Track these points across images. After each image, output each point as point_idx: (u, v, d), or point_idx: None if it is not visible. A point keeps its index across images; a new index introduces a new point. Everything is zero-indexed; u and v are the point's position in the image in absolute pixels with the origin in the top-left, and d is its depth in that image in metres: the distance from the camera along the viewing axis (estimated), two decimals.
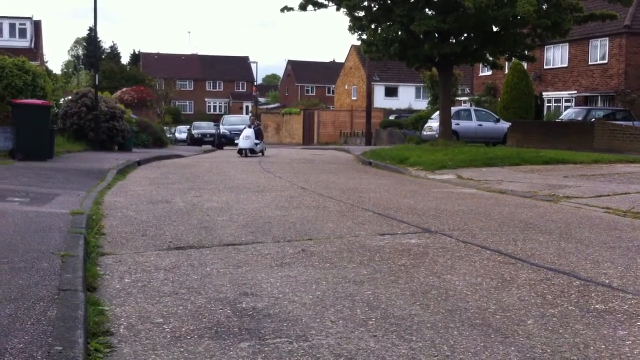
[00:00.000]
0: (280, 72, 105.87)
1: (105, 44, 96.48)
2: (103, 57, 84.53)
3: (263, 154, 23.88)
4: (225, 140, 35.74)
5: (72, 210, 7.40)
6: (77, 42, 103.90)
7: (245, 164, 18.52)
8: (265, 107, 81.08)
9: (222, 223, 7.33)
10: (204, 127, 44.42)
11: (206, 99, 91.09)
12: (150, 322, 3.82)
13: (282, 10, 22.04)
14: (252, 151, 23.23)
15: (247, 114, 70.85)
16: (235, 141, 35.74)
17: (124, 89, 35.63)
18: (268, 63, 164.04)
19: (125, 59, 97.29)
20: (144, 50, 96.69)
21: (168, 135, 37.48)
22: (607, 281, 4.77)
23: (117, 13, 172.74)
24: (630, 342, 3.51)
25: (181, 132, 49.63)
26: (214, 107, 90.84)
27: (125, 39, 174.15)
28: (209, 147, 35.67)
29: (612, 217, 8.01)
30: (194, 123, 48.44)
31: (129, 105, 29.68)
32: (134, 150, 23.31)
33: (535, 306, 4.14)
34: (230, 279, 4.79)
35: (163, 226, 7.06)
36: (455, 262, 5.41)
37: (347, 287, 4.60)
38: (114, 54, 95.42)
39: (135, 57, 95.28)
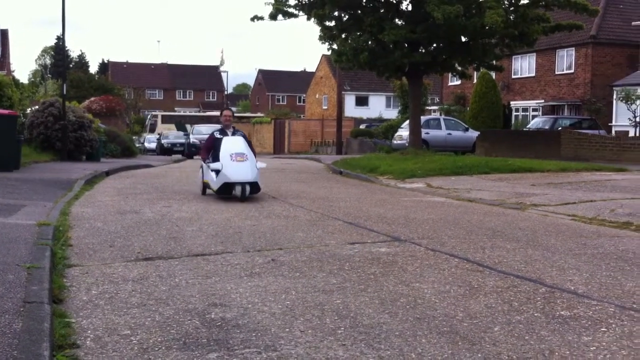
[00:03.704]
0: (251, 82, 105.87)
1: (74, 53, 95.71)
2: (71, 66, 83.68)
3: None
4: (195, 150, 35.53)
5: (38, 222, 7.30)
6: (45, 51, 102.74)
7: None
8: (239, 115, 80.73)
9: (192, 233, 7.29)
10: (174, 137, 44.14)
11: (176, 109, 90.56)
12: (118, 334, 3.78)
13: (253, 19, 22.03)
14: (255, 188, 10.94)
15: (217, 123, 70.43)
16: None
17: (92, 99, 35.33)
18: (239, 72, 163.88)
19: (93, 68, 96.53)
20: (113, 59, 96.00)
21: (137, 145, 37.16)
22: (572, 288, 4.84)
23: (86, 22, 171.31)
24: (594, 347, 3.56)
25: (150, 141, 49.19)
26: None
27: (94, 47, 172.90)
28: (179, 156, 35.46)
29: (578, 224, 8.14)
30: (163, 132, 48.08)
31: (98, 114, 29.42)
32: (103, 160, 23.07)
33: (502, 313, 4.19)
34: (199, 290, 4.77)
35: (131, 237, 7.00)
36: (424, 270, 5.45)
37: (317, 296, 4.61)
38: (82, 63, 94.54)
39: (104, 66, 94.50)
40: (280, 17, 21.86)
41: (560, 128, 27.98)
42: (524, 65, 39.77)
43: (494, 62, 23.78)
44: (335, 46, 22.90)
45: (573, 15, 23.95)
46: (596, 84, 35.05)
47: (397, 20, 21.71)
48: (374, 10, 21.54)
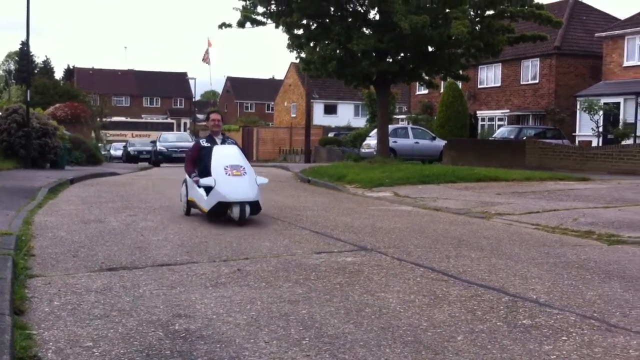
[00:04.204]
0: (219, 89, 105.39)
1: (38, 59, 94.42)
2: (36, 72, 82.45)
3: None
4: (162, 158, 35.29)
5: (0, 231, 7.17)
6: (9, 56, 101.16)
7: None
8: (203, 123, 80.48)
9: (157, 243, 7.23)
10: (140, 144, 43.81)
11: (143, 115, 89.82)
12: (80, 346, 3.74)
13: (221, 26, 21.99)
14: (256, 208, 9.01)
15: (185, 130, 70.06)
16: (174, 156, 34.10)
17: (57, 105, 34.71)
18: (207, 79, 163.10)
19: (59, 74, 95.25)
20: (79, 65, 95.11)
21: (103, 152, 36.72)
22: (534, 297, 4.91)
23: (51, 27, 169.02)
24: (555, 356, 3.62)
25: (117, 149, 48.72)
26: None
27: (59, 53, 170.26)
28: (145, 164, 35.13)
29: (542, 233, 8.25)
30: (130, 140, 47.64)
31: (63, 121, 28.98)
32: (67, 168, 22.74)
33: (465, 322, 4.23)
34: (163, 301, 4.73)
35: (95, 247, 6.92)
36: (390, 279, 5.48)
37: (282, 306, 4.60)
38: (47, 68, 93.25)
39: (70, 72, 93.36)
40: (248, 24, 21.86)
41: (525, 137, 28.41)
42: (490, 76, 40.33)
43: (460, 72, 24.07)
44: (303, 54, 22.97)
45: (537, 26, 24.38)
46: (560, 94, 35.68)
47: (365, 29, 21.85)
48: (342, 19, 21.66)
